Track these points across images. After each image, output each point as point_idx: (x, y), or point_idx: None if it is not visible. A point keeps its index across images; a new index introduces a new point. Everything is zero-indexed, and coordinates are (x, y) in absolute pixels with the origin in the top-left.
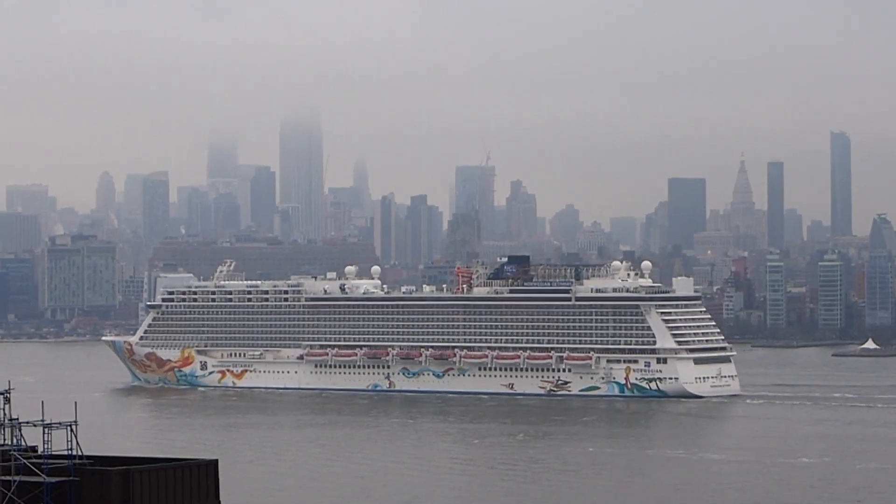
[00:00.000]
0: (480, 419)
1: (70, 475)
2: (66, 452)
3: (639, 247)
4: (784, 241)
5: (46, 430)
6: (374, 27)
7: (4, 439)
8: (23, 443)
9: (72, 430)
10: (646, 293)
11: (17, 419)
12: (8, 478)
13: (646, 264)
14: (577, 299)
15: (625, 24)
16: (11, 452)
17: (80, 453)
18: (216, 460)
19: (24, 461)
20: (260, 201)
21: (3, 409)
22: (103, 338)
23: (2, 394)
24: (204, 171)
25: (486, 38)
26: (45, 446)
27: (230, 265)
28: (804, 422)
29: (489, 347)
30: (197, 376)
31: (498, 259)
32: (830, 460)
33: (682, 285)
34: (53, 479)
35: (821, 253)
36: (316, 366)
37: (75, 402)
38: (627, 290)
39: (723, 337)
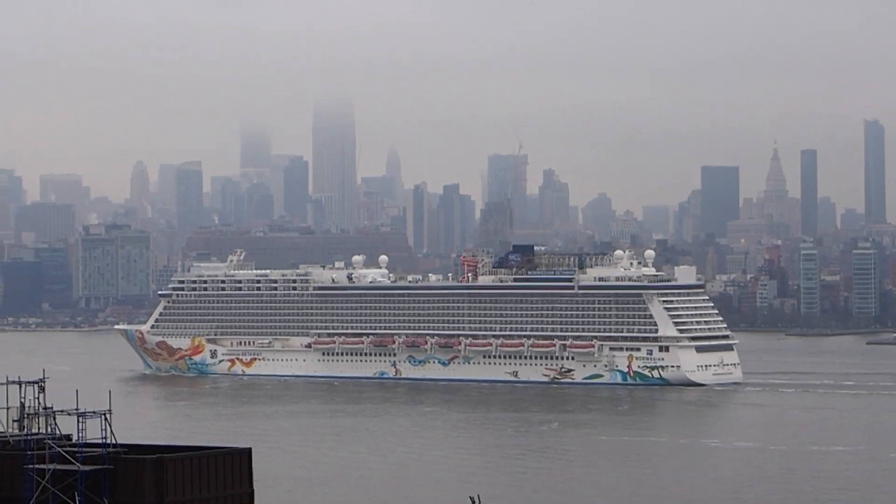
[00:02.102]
0: (512, 407)
1: (104, 463)
2: (100, 441)
3: (672, 235)
4: (818, 229)
5: (81, 419)
6: (398, 13)
7: (39, 428)
8: (57, 431)
9: (106, 419)
10: (648, 282)
11: (52, 408)
12: (43, 466)
13: (648, 253)
14: (581, 288)
15: (658, 10)
16: (46, 441)
17: (113, 441)
18: (249, 448)
19: (59, 449)
20: (293, 191)
21: (38, 398)
22: (116, 326)
23: (36, 383)
24: (237, 160)
25: (515, 23)
26: (80, 435)
27: (240, 254)
28: (828, 409)
29: (494, 335)
30: (207, 364)
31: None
32: (865, 448)
33: (685, 274)
34: (88, 468)
35: (854, 241)
36: (323, 354)
37: (109, 391)
38: (630, 279)
39: (725, 325)
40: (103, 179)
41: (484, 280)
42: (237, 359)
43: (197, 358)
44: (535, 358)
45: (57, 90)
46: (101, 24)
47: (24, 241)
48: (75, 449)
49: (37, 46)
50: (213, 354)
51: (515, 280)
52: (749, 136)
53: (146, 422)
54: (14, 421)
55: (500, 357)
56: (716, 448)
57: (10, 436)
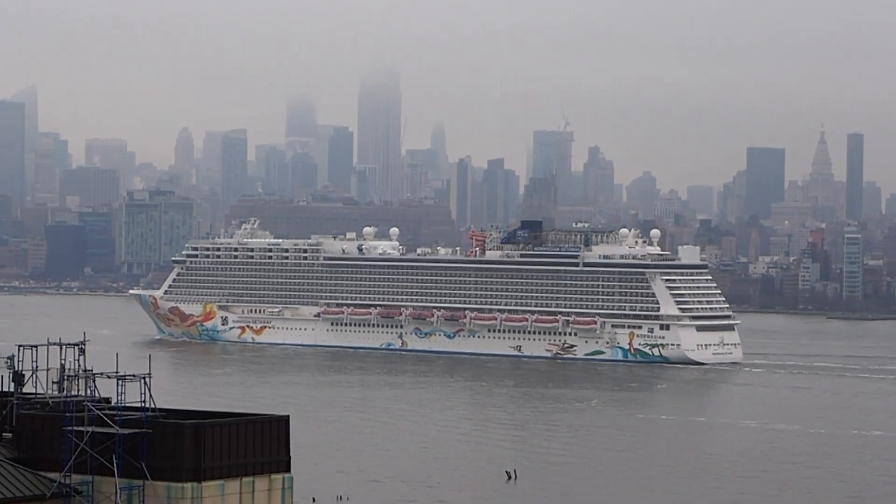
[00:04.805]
0: (544, 383)
1: (142, 427)
2: (139, 405)
3: (716, 215)
4: (862, 214)
5: (120, 382)
6: None
7: (79, 390)
8: (97, 394)
9: (145, 383)
10: (652, 261)
11: (92, 370)
12: (81, 428)
13: (654, 232)
14: (585, 265)
15: None
16: (85, 403)
17: (152, 405)
18: (287, 416)
19: (98, 412)
20: (337, 161)
21: (78, 361)
22: (131, 291)
23: (77, 345)
24: (282, 129)
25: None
26: (119, 398)
27: (254, 223)
28: (849, 393)
29: (499, 310)
30: (218, 331)
31: (574, 224)
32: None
33: (688, 254)
34: (126, 431)
35: None
36: (332, 324)
37: (149, 356)
38: (634, 258)
39: (727, 305)
40: (148, 145)
41: (491, 255)
42: (248, 326)
43: (208, 324)
44: (539, 333)
45: (104, 55)
46: None
47: (69, 205)
48: (114, 412)
49: (85, 11)
50: (224, 321)
51: (522, 255)
52: (796, 119)
53: (161, 386)
54: (54, 383)
55: (504, 331)
56: (754, 429)
57: (50, 397)
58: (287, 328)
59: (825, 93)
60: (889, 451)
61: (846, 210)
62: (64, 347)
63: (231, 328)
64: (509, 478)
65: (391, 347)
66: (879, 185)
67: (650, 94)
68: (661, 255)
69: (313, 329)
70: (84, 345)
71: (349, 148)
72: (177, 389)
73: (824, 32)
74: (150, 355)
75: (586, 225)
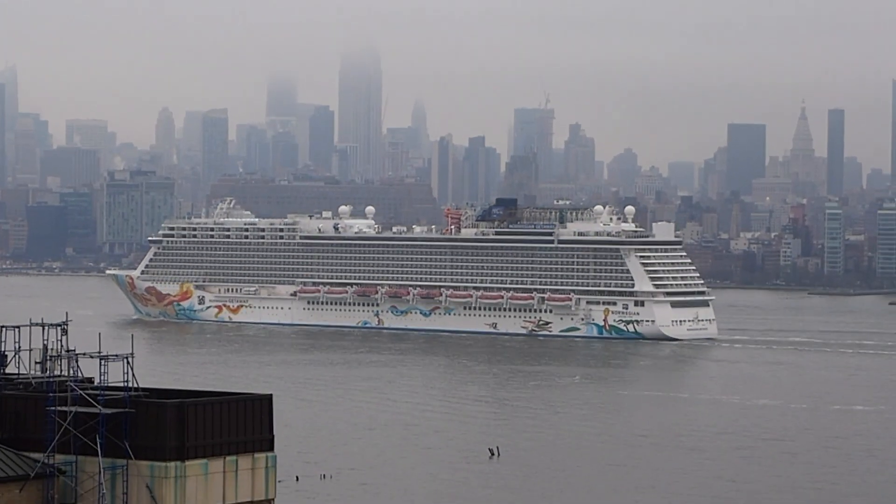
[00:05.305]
0: (522, 360)
1: (125, 407)
2: (121, 384)
3: (697, 192)
4: (843, 189)
5: (103, 362)
6: None
7: (61, 370)
8: (79, 374)
9: (128, 363)
10: (626, 237)
11: (74, 350)
12: (64, 408)
13: (629, 209)
14: (560, 242)
15: None
16: (68, 383)
17: (135, 385)
18: (270, 395)
19: (81, 392)
20: (318, 140)
21: (61, 341)
22: (107, 271)
23: (59, 325)
24: (263, 109)
25: None
26: (102, 378)
27: (230, 202)
28: (830, 368)
29: (474, 287)
30: (195, 310)
31: (555, 202)
32: (885, 408)
33: (663, 230)
34: (109, 411)
35: (880, 201)
36: (308, 302)
37: (132, 335)
38: (609, 234)
39: (702, 281)
40: (129, 125)
41: (466, 233)
42: (224, 305)
43: (185, 304)
44: (514, 310)
45: (85, 35)
46: None
47: (49, 186)
48: (97, 392)
49: None
50: (201, 301)
51: (497, 233)
52: (777, 95)
53: (142, 366)
54: (37, 363)
55: (479, 309)
56: (737, 404)
57: (33, 378)
58: (263, 307)
59: (806, 69)
60: (871, 425)
61: (827, 186)
62: (46, 328)
63: (208, 307)
64: (492, 455)
65: (367, 326)
66: (860, 160)
67: (631, 72)
68: (636, 231)
69: (290, 308)
70: (66, 325)
71: (330, 127)
72: (158, 369)
73: (805, 9)
74: (132, 335)
75: (567, 202)
